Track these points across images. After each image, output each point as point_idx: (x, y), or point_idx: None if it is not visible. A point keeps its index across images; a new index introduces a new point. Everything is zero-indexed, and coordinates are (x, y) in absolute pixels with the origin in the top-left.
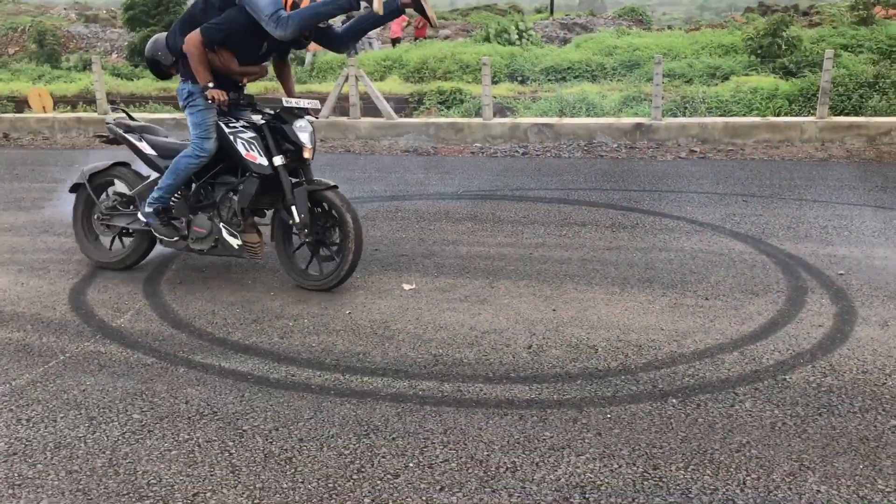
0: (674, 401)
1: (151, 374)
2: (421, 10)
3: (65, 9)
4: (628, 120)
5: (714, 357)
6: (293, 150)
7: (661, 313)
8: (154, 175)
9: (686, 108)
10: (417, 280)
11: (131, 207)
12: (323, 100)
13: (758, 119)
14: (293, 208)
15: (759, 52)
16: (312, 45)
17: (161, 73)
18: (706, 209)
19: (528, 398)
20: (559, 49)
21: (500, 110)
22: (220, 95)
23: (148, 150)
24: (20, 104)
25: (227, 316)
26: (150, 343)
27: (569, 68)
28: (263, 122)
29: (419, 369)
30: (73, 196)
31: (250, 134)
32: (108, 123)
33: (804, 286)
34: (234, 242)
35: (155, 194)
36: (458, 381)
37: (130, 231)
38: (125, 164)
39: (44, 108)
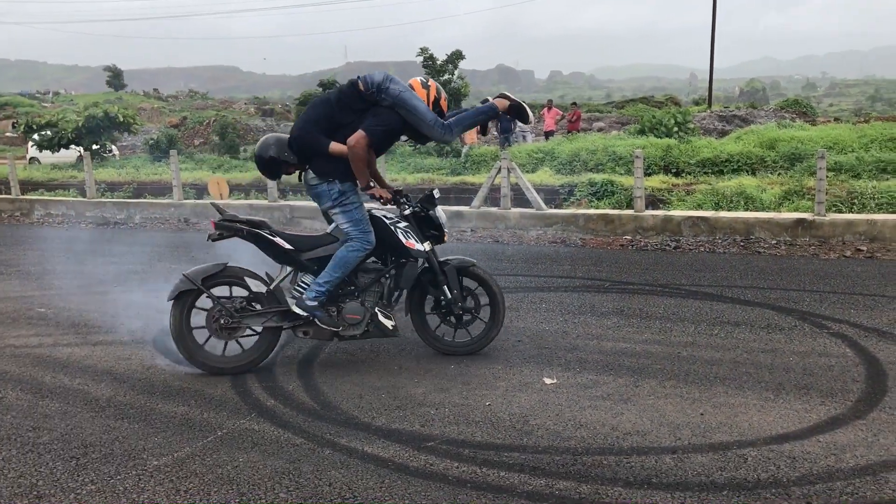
0: None
1: (299, 455)
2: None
3: (245, 103)
4: (789, 215)
5: (877, 475)
6: (437, 234)
7: (819, 424)
8: (286, 269)
9: (853, 203)
10: (559, 374)
11: (258, 306)
12: (475, 191)
13: None
14: (445, 286)
15: None
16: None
17: (277, 172)
18: (873, 313)
19: None
20: (717, 141)
21: (653, 203)
22: (386, 193)
23: (285, 245)
24: (201, 191)
25: (372, 400)
26: (299, 424)
27: (727, 161)
28: (409, 211)
29: (557, 468)
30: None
31: (404, 223)
32: (223, 220)
33: None
34: (389, 324)
35: (320, 288)
36: (597, 484)
37: (255, 330)
38: (230, 265)
39: (221, 195)
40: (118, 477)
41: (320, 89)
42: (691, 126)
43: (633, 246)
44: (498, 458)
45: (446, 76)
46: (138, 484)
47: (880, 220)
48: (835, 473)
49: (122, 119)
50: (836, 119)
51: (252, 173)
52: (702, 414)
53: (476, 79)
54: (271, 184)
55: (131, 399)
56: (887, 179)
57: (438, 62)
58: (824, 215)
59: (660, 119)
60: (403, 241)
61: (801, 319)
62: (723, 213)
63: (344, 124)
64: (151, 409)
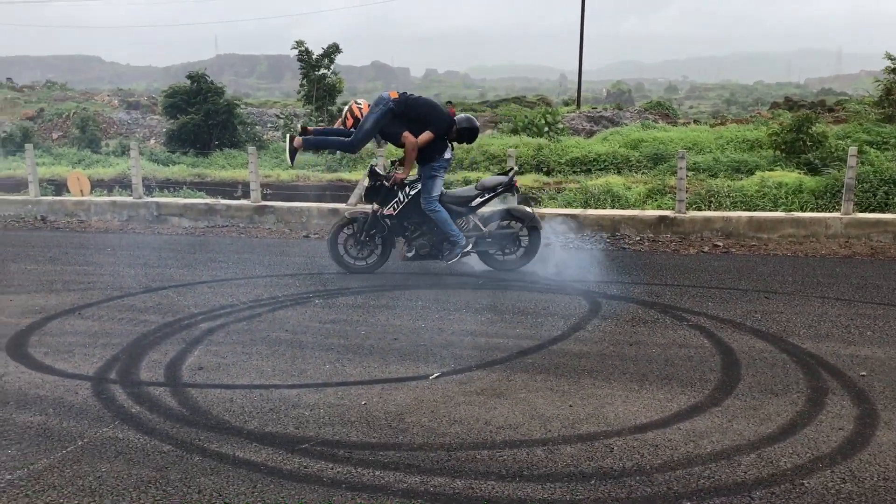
0: None
1: (166, 462)
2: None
3: (108, 95)
4: (652, 212)
5: (731, 459)
6: None
7: (679, 412)
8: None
9: (711, 201)
10: (435, 371)
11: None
12: (352, 188)
13: (782, 214)
14: None
15: (783, 147)
16: None
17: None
18: (727, 305)
19: (540, 498)
20: (585, 141)
21: (525, 200)
22: None
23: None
24: (59, 187)
25: (244, 404)
26: (167, 430)
27: (594, 160)
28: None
29: (431, 465)
30: None
31: None
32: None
33: (825, 387)
34: None
35: None
36: (471, 479)
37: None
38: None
39: (81, 191)
40: None
41: (189, 81)
42: (561, 126)
43: None
44: (373, 457)
45: (321, 71)
46: None
47: (735, 217)
48: (694, 459)
49: None
50: (696, 121)
51: (115, 169)
52: (571, 406)
53: (352, 75)
54: (136, 181)
55: None
56: (741, 179)
57: (314, 56)
58: (685, 213)
59: (532, 119)
60: None
61: (663, 312)
62: (591, 211)
63: None
64: (4, 421)
